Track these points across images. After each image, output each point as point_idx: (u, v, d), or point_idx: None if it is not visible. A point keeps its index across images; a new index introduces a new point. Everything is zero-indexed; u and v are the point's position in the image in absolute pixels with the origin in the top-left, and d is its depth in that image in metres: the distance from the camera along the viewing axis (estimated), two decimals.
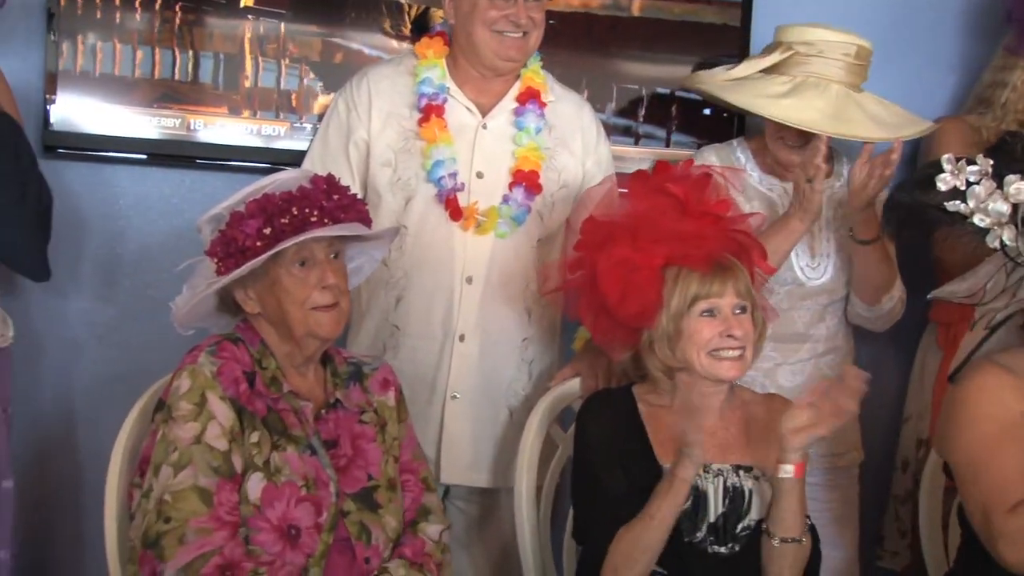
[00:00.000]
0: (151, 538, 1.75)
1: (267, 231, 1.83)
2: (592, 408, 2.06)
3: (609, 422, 2.02)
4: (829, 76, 2.46)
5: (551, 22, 2.46)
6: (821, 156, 2.28)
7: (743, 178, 2.38)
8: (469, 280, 2.34)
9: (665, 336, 1.98)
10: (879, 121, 2.49)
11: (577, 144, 2.44)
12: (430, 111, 2.35)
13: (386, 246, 2.13)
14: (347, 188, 1.95)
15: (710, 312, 1.97)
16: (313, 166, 2.34)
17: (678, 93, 2.79)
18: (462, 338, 2.34)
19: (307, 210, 1.85)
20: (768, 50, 2.56)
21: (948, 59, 2.98)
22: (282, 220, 1.83)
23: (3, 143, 2.18)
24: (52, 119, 2.52)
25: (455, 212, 2.33)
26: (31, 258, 2.27)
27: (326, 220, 1.87)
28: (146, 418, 1.97)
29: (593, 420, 2.03)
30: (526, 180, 2.36)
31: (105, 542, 1.95)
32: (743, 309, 1.99)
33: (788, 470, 1.90)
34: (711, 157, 2.51)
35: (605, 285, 2.00)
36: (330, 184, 1.91)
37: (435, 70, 2.38)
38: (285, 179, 1.91)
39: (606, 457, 1.98)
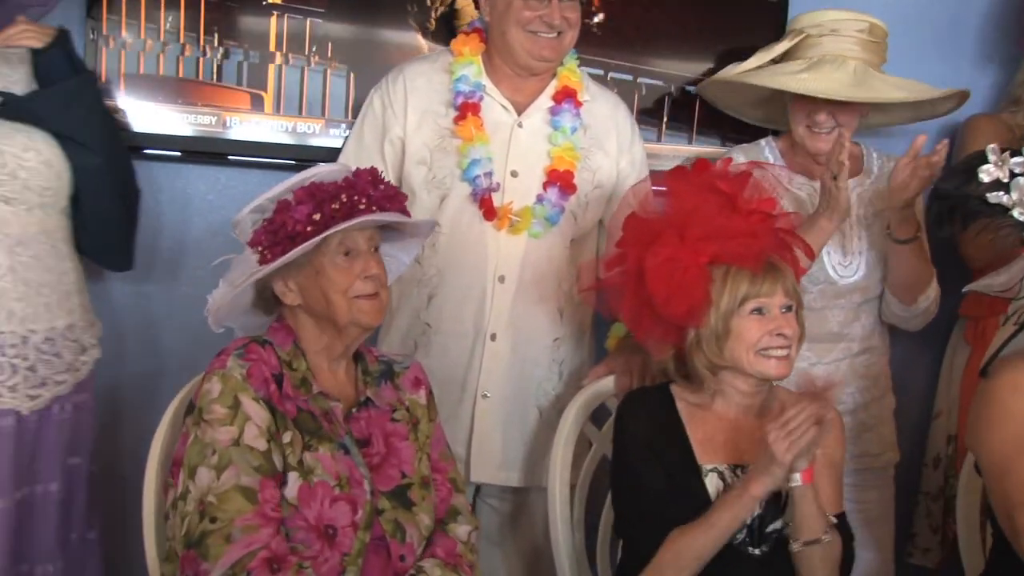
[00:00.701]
0: (194, 538, 1.73)
1: (317, 217, 1.82)
2: (630, 406, 2.04)
3: (647, 420, 2.00)
4: (845, 53, 2.41)
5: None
6: (845, 151, 2.22)
7: (788, 174, 2.34)
8: (502, 279, 2.32)
9: (714, 335, 1.96)
10: (901, 87, 2.44)
11: (612, 144, 2.41)
12: (466, 109, 2.32)
13: (416, 248, 2.12)
14: (390, 182, 1.95)
15: (759, 311, 1.95)
16: (347, 162, 2.32)
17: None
18: (493, 337, 2.32)
19: (355, 197, 1.85)
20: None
21: (984, 57, 2.94)
22: (332, 206, 1.83)
23: (123, 147, 2.28)
24: None
25: (489, 212, 2.31)
26: (125, 251, 2.38)
27: (374, 208, 1.87)
28: (180, 419, 1.96)
29: (632, 418, 2.02)
30: (560, 180, 2.33)
31: (144, 541, 1.94)
32: (789, 308, 1.97)
33: (796, 478, 1.88)
34: (739, 157, 2.45)
35: (652, 283, 1.96)
36: (374, 175, 1.91)
37: (471, 67, 2.35)
38: (329, 170, 1.91)
39: (645, 454, 1.96)
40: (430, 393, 2.05)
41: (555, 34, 2.30)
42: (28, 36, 2.16)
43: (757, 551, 1.95)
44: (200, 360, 1.97)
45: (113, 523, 2.44)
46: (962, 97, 2.58)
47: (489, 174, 2.31)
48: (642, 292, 1.98)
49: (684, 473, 1.95)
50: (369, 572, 1.83)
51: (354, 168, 1.92)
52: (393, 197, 1.91)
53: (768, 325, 1.94)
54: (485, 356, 2.32)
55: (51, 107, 2.16)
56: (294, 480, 1.80)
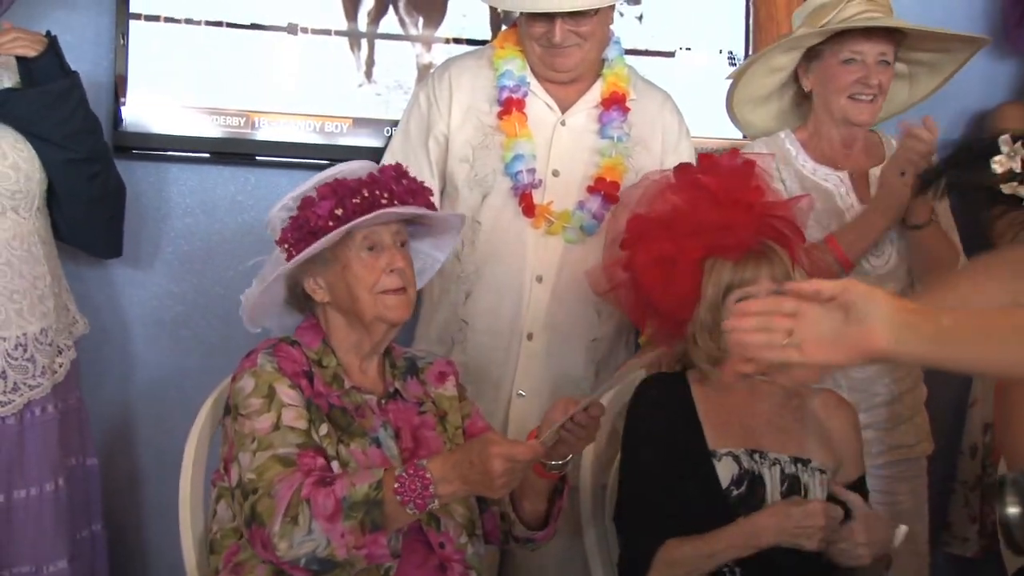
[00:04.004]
0: (248, 515, 1.68)
1: (339, 212, 1.78)
2: (644, 391, 2.00)
3: (657, 406, 1.95)
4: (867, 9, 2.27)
5: None
6: (927, 142, 2.12)
7: (770, 163, 2.25)
8: (539, 279, 2.24)
9: (705, 328, 1.92)
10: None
11: (656, 142, 2.31)
12: (511, 104, 2.24)
13: (449, 246, 2.04)
14: (415, 177, 1.89)
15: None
16: (394, 159, 2.24)
17: None
18: (530, 336, 2.24)
19: (377, 192, 1.80)
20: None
21: (1002, 47, 2.86)
22: (353, 200, 1.78)
23: (104, 144, 2.23)
24: (122, 120, 2.47)
25: (528, 208, 2.22)
26: (111, 241, 2.34)
27: (395, 202, 1.81)
28: (217, 413, 1.93)
29: (641, 404, 1.97)
30: (606, 190, 2.24)
31: (180, 534, 1.90)
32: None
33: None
34: (759, 149, 2.36)
35: (645, 280, 1.95)
36: (398, 171, 1.86)
37: (515, 62, 2.26)
38: (354, 167, 1.86)
39: (650, 440, 1.91)
40: (459, 384, 1.98)
41: (567, 47, 2.20)
42: (21, 45, 2.10)
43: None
44: (231, 359, 1.92)
45: (131, 518, 2.42)
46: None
47: (532, 170, 2.22)
48: (640, 289, 1.96)
49: (693, 459, 1.89)
50: (410, 559, 1.77)
51: (381, 165, 1.87)
52: (417, 191, 1.85)
53: None
54: (521, 355, 2.24)
55: (31, 109, 2.12)
56: (336, 468, 1.74)
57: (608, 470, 2.15)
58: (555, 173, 2.25)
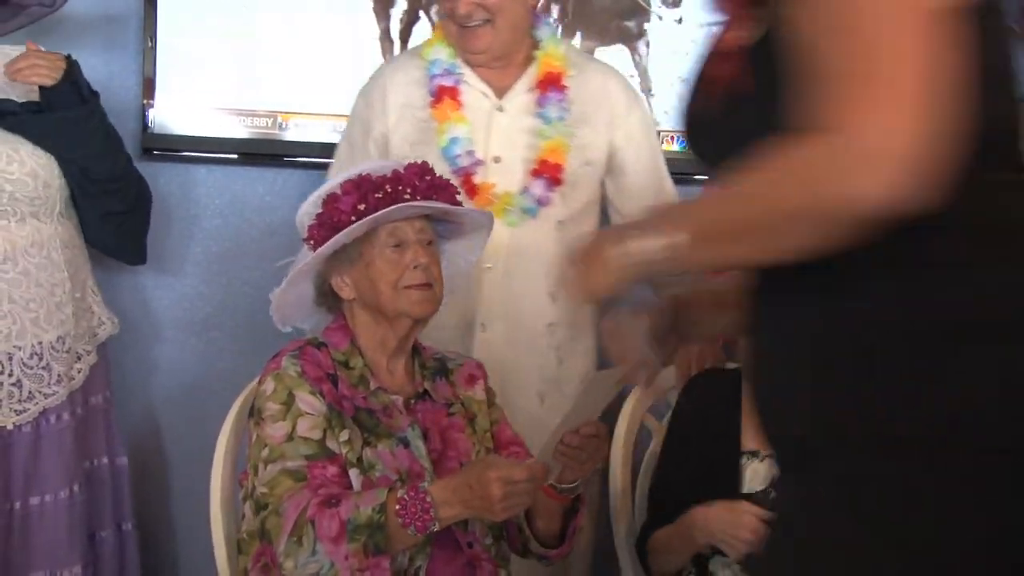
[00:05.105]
0: (259, 529, 1.70)
1: (362, 207, 1.78)
2: (694, 383, 2.00)
3: (702, 399, 1.94)
4: None
5: None
6: None
7: None
8: (488, 269, 2.20)
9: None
10: None
11: (601, 118, 2.25)
12: (443, 92, 2.19)
13: (481, 246, 2.02)
14: (440, 175, 1.89)
15: None
16: (341, 167, 2.21)
17: None
18: (483, 327, 2.21)
19: (400, 187, 1.80)
20: None
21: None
22: (376, 195, 1.78)
23: (126, 160, 2.23)
24: (150, 122, 2.49)
25: (471, 189, 2.17)
26: (135, 249, 2.34)
27: (418, 198, 1.82)
28: (246, 413, 1.93)
29: (685, 399, 1.97)
30: (549, 172, 2.19)
31: (211, 534, 1.91)
32: None
33: None
34: None
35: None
36: (423, 168, 1.85)
37: (444, 51, 2.21)
38: (378, 165, 1.87)
39: (684, 434, 1.91)
40: (488, 388, 1.97)
41: (479, 23, 2.14)
42: (40, 73, 2.07)
43: None
44: (261, 360, 1.93)
45: (161, 519, 2.44)
46: None
47: (471, 152, 2.18)
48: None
49: (718, 458, 1.87)
50: (440, 556, 1.77)
51: (406, 163, 1.87)
52: (441, 188, 1.84)
53: None
54: (476, 347, 2.20)
55: (47, 131, 2.10)
56: (355, 476, 1.74)
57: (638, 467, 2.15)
58: (496, 160, 2.20)
